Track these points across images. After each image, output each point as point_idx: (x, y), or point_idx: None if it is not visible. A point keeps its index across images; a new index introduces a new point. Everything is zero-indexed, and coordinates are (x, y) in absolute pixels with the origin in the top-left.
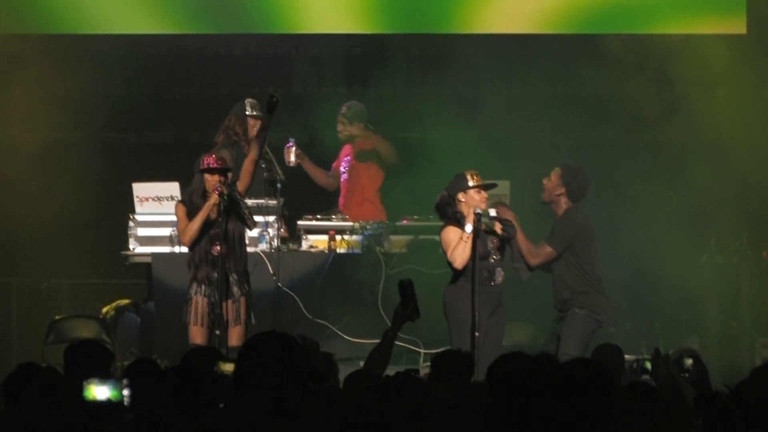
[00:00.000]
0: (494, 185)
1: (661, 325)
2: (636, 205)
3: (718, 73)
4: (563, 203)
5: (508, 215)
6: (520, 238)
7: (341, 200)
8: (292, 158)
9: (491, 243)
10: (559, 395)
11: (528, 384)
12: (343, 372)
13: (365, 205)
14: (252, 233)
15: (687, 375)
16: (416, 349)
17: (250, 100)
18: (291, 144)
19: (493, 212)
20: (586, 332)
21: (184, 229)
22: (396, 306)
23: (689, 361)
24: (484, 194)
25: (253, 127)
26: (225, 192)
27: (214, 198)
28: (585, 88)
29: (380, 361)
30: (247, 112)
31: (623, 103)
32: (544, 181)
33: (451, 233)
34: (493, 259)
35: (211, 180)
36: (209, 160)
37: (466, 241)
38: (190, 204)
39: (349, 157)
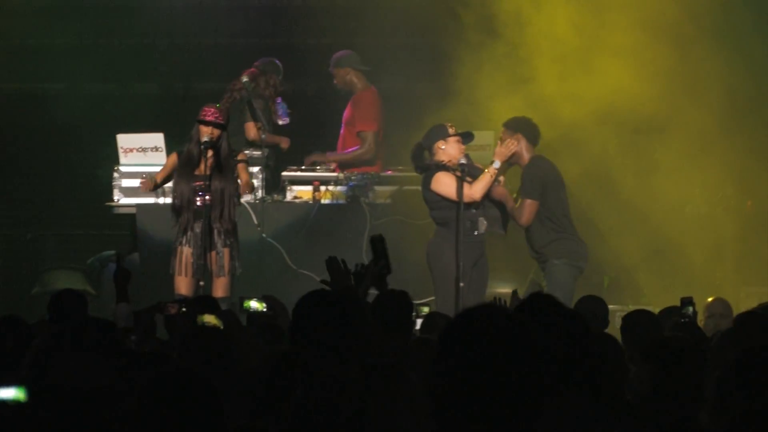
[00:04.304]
0: (471, 134)
1: (646, 274)
2: (622, 157)
3: None
4: (525, 152)
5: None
6: (506, 199)
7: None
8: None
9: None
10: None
11: (481, 331)
12: None
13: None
14: None
15: (686, 321)
16: None
17: (278, 62)
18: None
19: (464, 160)
20: (568, 281)
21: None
22: (368, 263)
23: (690, 309)
24: (462, 146)
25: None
26: (208, 145)
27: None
28: None
29: None
30: (280, 76)
31: None
32: (498, 144)
33: (446, 177)
34: (476, 209)
35: (204, 131)
36: (206, 112)
37: (492, 176)
38: (186, 152)
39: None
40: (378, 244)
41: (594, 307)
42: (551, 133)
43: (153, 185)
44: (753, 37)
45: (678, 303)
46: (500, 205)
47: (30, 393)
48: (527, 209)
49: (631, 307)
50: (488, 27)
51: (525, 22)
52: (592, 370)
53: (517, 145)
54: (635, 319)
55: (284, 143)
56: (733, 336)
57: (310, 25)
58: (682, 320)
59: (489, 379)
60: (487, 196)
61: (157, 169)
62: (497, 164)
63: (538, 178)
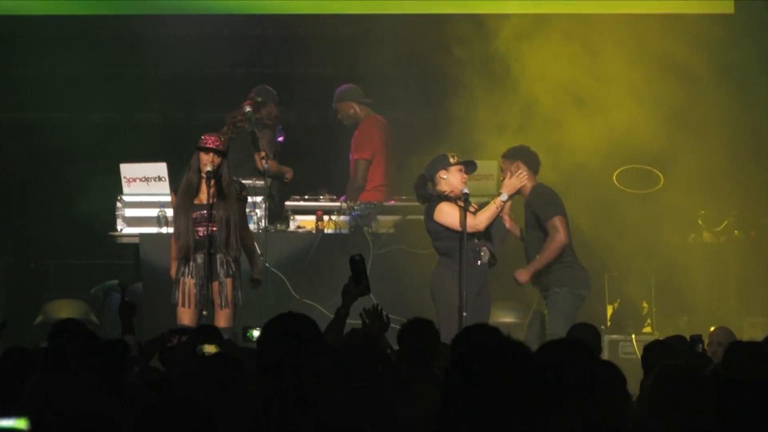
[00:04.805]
0: (474, 164)
1: (650, 304)
2: (626, 185)
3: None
4: (528, 181)
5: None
6: (538, 259)
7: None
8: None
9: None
10: (524, 373)
11: (489, 360)
12: None
13: (372, 193)
14: None
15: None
16: None
17: (271, 89)
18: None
19: (466, 190)
20: (571, 309)
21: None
22: (347, 283)
23: (699, 347)
24: (465, 175)
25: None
26: (211, 173)
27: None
28: None
29: (334, 338)
30: (277, 105)
31: None
32: (508, 176)
33: (448, 208)
34: (478, 239)
35: (205, 159)
36: (206, 140)
37: (498, 207)
38: (185, 181)
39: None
40: (358, 264)
41: (585, 335)
42: (555, 170)
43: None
44: (758, 73)
45: (681, 332)
46: (497, 225)
47: (31, 421)
48: (560, 225)
49: (635, 337)
50: (486, 63)
51: (526, 60)
52: (595, 396)
53: (526, 177)
54: (655, 349)
55: (288, 174)
56: (723, 365)
57: (312, 55)
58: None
59: (495, 405)
60: (493, 226)
61: (161, 198)
62: (504, 197)
63: (551, 199)
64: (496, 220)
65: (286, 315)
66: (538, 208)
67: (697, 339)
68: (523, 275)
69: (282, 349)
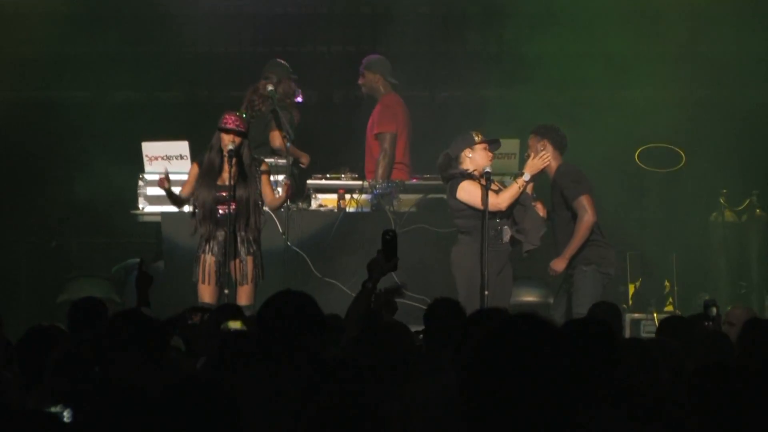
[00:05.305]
0: (498, 142)
1: (671, 283)
2: (648, 164)
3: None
4: (552, 160)
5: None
6: (570, 244)
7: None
8: None
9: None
10: (545, 355)
11: (506, 341)
12: None
13: (393, 170)
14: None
15: (710, 324)
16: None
17: (283, 61)
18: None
19: (489, 169)
20: (597, 288)
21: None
22: (374, 257)
23: (714, 310)
24: (489, 154)
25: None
26: (232, 153)
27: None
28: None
29: (360, 312)
30: (291, 76)
31: None
32: (528, 156)
33: (471, 186)
34: (500, 218)
35: (226, 139)
36: (227, 120)
37: (521, 187)
38: (206, 161)
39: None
40: (391, 241)
41: (607, 314)
42: (577, 150)
43: (169, 184)
44: None
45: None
46: (533, 217)
47: (54, 399)
48: (587, 204)
49: (657, 316)
50: (505, 44)
51: (544, 42)
52: (619, 377)
53: (550, 158)
54: (671, 324)
55: (304, 158)
56: (738, 344)
57: (335, 33)
58: (707, 323)
59: (522, 391)
60: (516, 207)
61: (183, 176)
62: (527, 177)
63: (578, 176)
64: (531, 212)
65: (284, 293)
66: (565, 187)
67: (710, 303)
68: (559, 264)
69: (279, 327)
